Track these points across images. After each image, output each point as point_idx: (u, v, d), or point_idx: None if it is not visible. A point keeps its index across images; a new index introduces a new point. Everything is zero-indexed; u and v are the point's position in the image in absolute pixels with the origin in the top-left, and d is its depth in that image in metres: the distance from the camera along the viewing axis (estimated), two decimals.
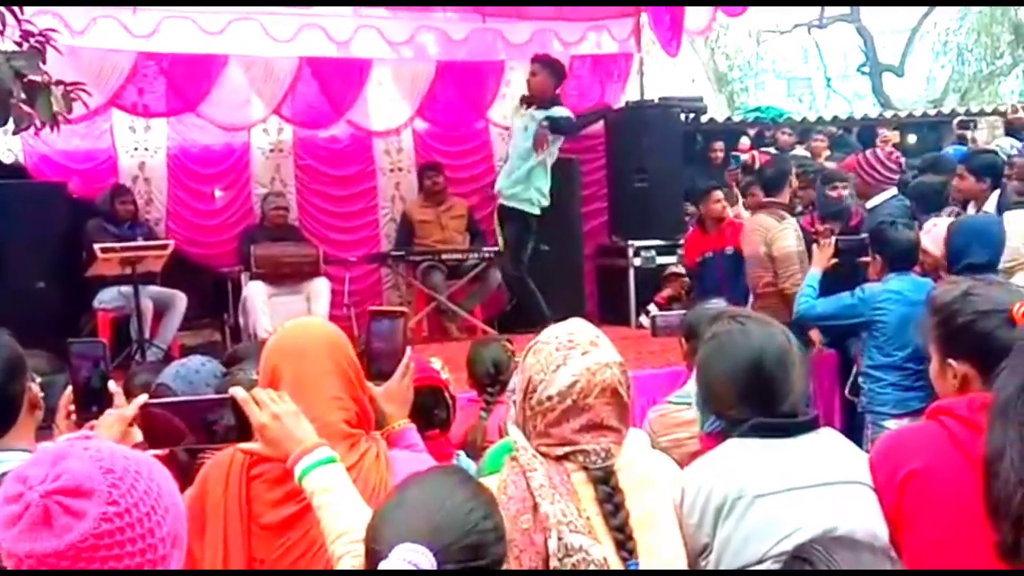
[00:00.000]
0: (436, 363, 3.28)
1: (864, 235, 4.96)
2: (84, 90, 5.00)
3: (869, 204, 5.80)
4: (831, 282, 4.90)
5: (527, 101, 6.60)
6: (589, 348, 1.97)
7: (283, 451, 1.91)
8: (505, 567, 1.80)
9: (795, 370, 2.05)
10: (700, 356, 2.14)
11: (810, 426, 2.05)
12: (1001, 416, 1.86)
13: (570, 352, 1.96)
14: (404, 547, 1.40)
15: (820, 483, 1.98)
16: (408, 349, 2.24)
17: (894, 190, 5.79)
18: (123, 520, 1.34)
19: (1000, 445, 1.84)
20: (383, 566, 1.39)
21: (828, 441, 2.08)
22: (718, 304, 3.58)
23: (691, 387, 3.03)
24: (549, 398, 1.94)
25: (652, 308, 7.53)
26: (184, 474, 2.05)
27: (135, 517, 1.35)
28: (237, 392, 1.94)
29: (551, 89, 6.56)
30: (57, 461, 1.36)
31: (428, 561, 1.38)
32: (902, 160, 6.22)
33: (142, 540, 1.35)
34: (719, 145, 9.56)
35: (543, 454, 1.93)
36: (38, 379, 2.17)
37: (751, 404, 2.02)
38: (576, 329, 2.02)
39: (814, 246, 5.08)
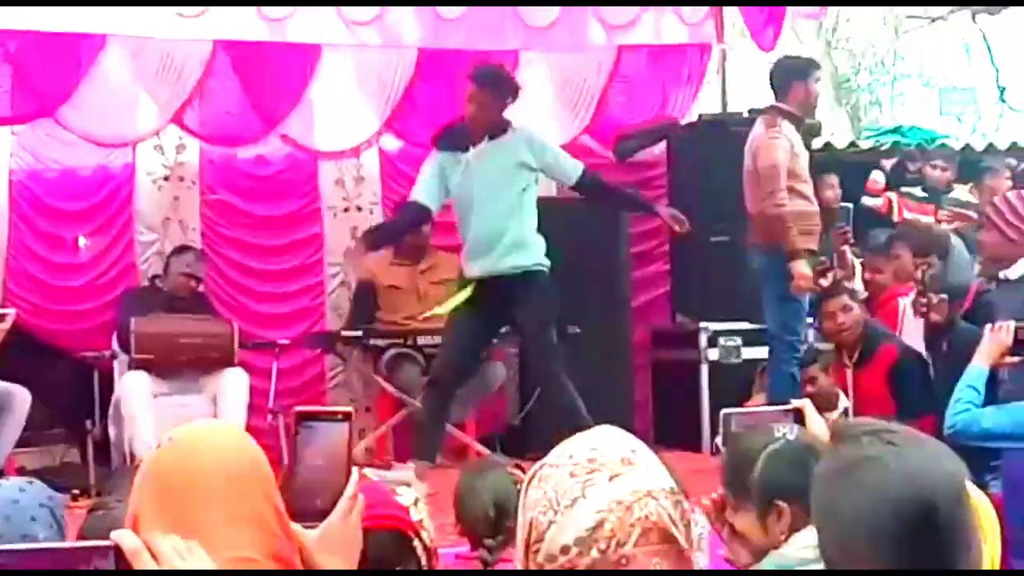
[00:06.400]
0: (406, 495, 3.24)
1: None
2: None
3: (1009, 273, 5.80)
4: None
5: (466, 139, 6.68)
6: (621, 469, 1.97)
7: None
8: None
9: (974, 516, 2.03)
10: (821, 496, 2.10)
11: None
12: None
13: (592, 477, 1.96)
14: None
15: None
16: (354, 471, 2.22)
17: None
18: None
19: None
20: None
21: None
22: (780, 424, 3.51)
23: (795, 549, 2.97)
24: (564, 549, 1.92)
25: None
26: None
27: None
28: (122, 538, 1.91)
29: (497, 112, 6.67)
30: None
31: None
32: None
33: None
34: (831, 180, 9.49)
35: None
36: None
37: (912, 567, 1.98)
38: (600, 443, 2.02)
39: (986, 330, 5.06)
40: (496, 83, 6.70)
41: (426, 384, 7.04)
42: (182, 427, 2.15)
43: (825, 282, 7.80)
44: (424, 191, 6.72)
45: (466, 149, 6.62)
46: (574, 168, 6.86)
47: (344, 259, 8.07)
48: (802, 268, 6.95)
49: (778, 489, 3.02)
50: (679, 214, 7.08)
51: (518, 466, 4.06)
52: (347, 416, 2.25)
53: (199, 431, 2.14)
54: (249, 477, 2.06)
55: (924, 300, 6.49)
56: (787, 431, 3.20)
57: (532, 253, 6.65)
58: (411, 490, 3.34)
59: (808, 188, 7.23)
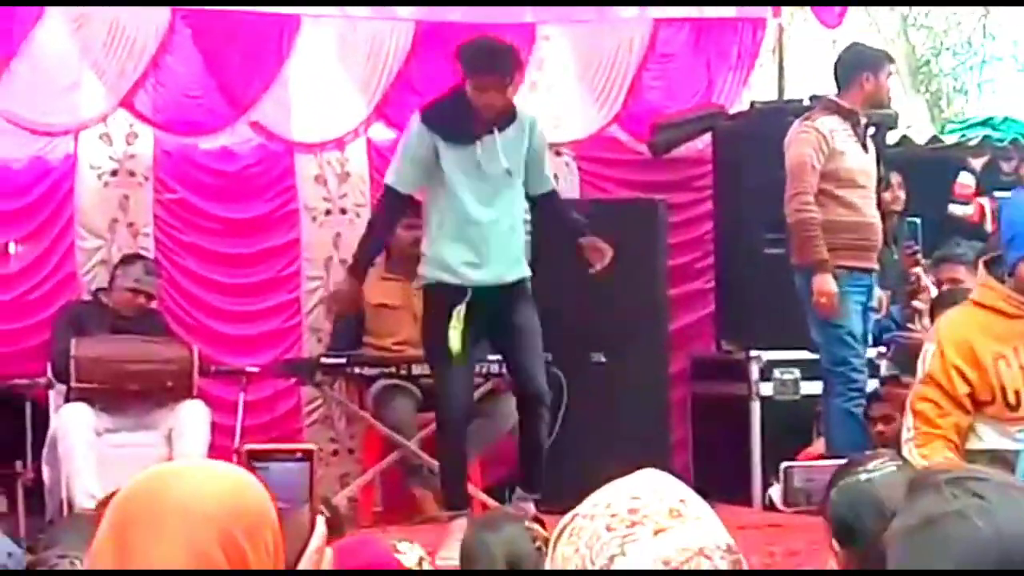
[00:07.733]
0: (409, 555, 3.23)
1: None
2: None
3: None
4: None
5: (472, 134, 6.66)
6: (668, 523, 1.99)
7: None
8: None
9: None
10: (895, 559, 2.09)
11: None
12: None
13: (633, 531, 1.98)
14: None
15: None
16: (320, 523, 2.21)
17: None
18: None
19: None
20: None
21: None
22: (882, 462, 3.49)
23: None
24: None
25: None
26: None
27: None
28: None
29: (506, 99, 6.64)
30: None
31: None
32: None
33: None
34: (892, 178, 9.44)
35: None
36: None
37: None
38: (644, 490, 2.06)
39: None
40: (505, 64, 6.64)
41: (439, 429, 6.97)
42: (144, 473, 2.09)
43: (919, 304, 7.79)
44: (410, 178, 6.77)
45: (472, 142, 6.60)
46: (547, 182, 6.98)
47: (326, 305, 8.02)
48: (827, 284, 6.95)
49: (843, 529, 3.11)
50: (601, 244, 6.93)
51: (537, 519, 4.06)
52: (308, 455, 2.28)
53: (168, 476, 2.07)
54: (228, 532, 1.99)
55: None
56: (893, 461, 3.20)
57: (525, 261, 6.83)
58: (415, 547, 3.34)
59: (856, 195, 7.27)
